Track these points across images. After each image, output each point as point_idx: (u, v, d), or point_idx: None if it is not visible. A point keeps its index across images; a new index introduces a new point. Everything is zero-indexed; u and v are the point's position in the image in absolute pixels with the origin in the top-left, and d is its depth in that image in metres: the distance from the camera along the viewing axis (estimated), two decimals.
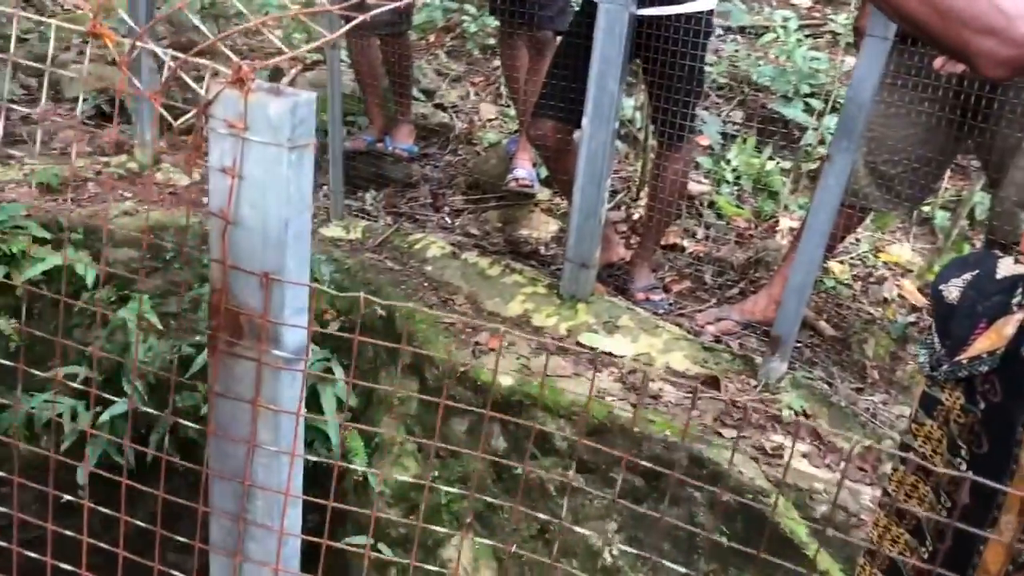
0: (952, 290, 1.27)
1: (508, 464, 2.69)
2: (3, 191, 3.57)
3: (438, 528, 1.04)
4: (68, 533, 1.05)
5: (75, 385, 3.08)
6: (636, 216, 3.79)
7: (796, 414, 2.58)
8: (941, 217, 3.81)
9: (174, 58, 0.74)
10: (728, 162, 4.04)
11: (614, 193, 3.93)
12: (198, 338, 3.20)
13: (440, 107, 4.60)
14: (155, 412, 1.04)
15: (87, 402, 3.12)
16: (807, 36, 4.95)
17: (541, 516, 1.23)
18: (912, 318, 3.22)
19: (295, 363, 0.79)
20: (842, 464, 1.08)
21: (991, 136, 2.62)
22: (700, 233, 3.70)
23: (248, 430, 0.80)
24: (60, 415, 3.07)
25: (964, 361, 1.20)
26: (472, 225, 3.72)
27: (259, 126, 0.72)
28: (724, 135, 4.24)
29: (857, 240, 3.64)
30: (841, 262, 3.50)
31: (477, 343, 2.85)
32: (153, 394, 3.19)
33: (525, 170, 3.78)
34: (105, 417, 3.03)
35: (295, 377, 0.80)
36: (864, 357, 3.00)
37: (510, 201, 3.80)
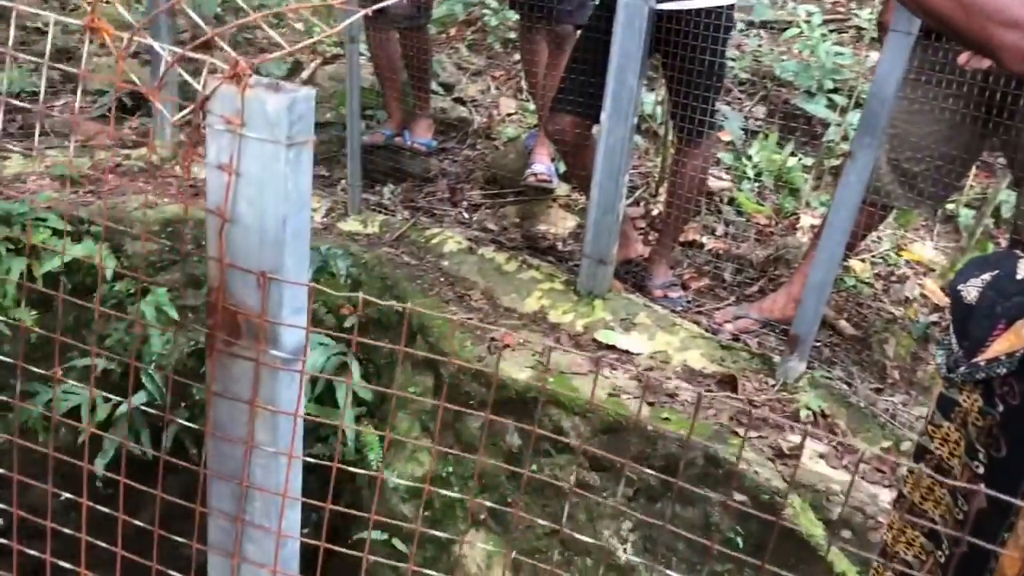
0: (971, 290, 1.24)
1: (522, 460, 2.68)
2: (24, 183, 3.60)
3: (433, 535, 1.02)
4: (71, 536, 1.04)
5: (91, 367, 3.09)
6: (655, 212, 3.76)
7: (814, 414, 2.55)
8: (966, 215, 3.75)
9: (172, 53, 0.73)
10: (749, 158, 4.00)
11: (633, 189, 3.90)
12: None
13: (459, 101, 4.59)
14: (154, 411, 1.03)
15: (106, 394, 3.14)
16: (831, 31, 4.89)
17: (540, 522, 1.21)
18: (934, 317, 3.17)
19: (293, 363, 0.78)
20: (857, 465, 1.06)
21: (1017, 133, 2.58)
22: (720, 230, 3.66)
23: (246, 430, 0.79)
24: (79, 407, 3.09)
25: (982, 363, 1.18)
26: (489, 220, 3.70)
27: (256, 122, 0.71)
28: (746, 131, 4.20)
29: (879, 238, 3.59)
30: (862, 260, 3.45)
31: (493, 339, 2.83)
32: (171, 386, 3.20)
33: (544, 165, 3.76)
34: (123, 409, 3.04)
35: (293, 378, 0.79)
36: (884, 357, 2.96)
37: (528, 196, 3.78)
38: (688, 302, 3.20)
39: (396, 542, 2.86)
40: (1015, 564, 1.18)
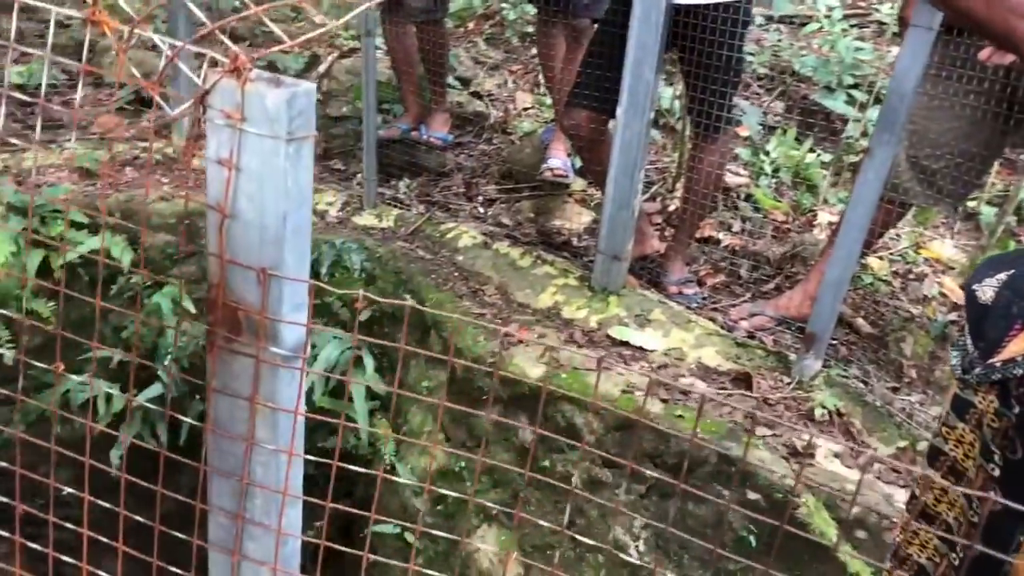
0: (986, 290, 1.22)
1: (535, 455, 2.67)
2: (43, 175, 3.62)
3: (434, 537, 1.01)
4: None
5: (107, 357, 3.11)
6: (671, 208, 3.74)
7: (829, 413, 2.52)
8: (987, 213, 3.70)
9: (171, 46, 0.72)
10: (767, 154, 3.97)
11: (650, 184, 3.88)
12: None
13: (476, 95, 4.58)
14: (154, 407, 1.03)
15: (121, 385, 3.16)
16: (852, 26, 4.84)
17: (542, 523, 1.20)
18: (953, 316, 3.13)
19: (293, 361, 0.77)
20: (864, 468, 1.04)
21: None
22: (736, 226, 3.64)
23: (246, 427, 0.78)
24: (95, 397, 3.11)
25: (998, 364, 1.16)
26: (505, 215, 3.69)
27: (256, 117, 0.70)
28: (764, 126, 4.17)
29: (897, 235, 3.56)
30: (880, 258, 3.42)
31: (507, 334, 2.83)
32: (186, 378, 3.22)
33: (560, 160, 3.74)
34: (139, 400, 3.06)
35: (294, 375, 0.79)
36: (902, 356, 2.93)
37: (544, 191, 3.77)
38: (703, 299, 3.18)
39: (409, 536, 2.86)
40: None
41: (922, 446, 2.48)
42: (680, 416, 2.47)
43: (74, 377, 3.22)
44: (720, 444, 2.39)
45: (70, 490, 1.02)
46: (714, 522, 2.40)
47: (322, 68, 4.57)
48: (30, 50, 0.93)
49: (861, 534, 2.27)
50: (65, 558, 1.04)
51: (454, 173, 3.98)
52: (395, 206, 3.63)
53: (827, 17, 4.69)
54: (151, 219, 3.38)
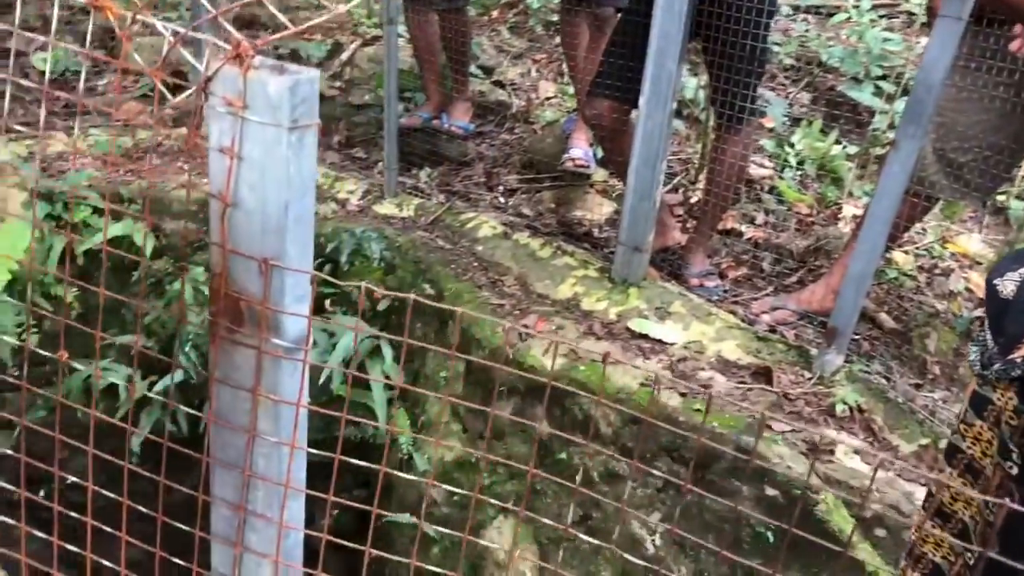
0: (1008, 284, 1.19)
1: (552, 447, 2.66)
2: (66, 161, 3.64)
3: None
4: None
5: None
6: (694, 199, 3.71)
7: (850, 409, 2.49)
8: (1017, 207, 3.64)
9: (174, 33, 0.71)
10: (792, 145, 3.93)
11: (672, 175, 3.85)
12: None
13: (499, 84, 4.56)
14: (159, 398, 1.03)
15: (143, 371, 3.18)
16: (881, 16, 4.77)
17: (545, 521, 1.19)
18: (979, 312, 3.09)
19: (295, 353, 0.76)
20: (876, 470, 1.02)
21: None
22: (759, 218, 3.60)
23: (248, 419, 0.78)
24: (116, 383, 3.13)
25: (1018, 360, 1.13)
26: (525, 205, 3.68)
27: (258, 105, 0.69)
28: (790, 117, 4.12)
29: (923, 230, 3.51)
30: (906, 252, 3.37)
31: (525, 326, 2.81)
32: (206, 364, 3.23)
33: (581, 150, 3.72)
34: (160, 387, 3.07)
35: (296, 367, 0.78)
36: (925, 352, 2.89)
37: (565, 181, 3.75)
38: (725, 292, 3.15)
39: (425, 526, 2.86)
40: None
41: (945, 444, 2.44)
42: (698, 410, 2.45)
43: (79, 366, 3.23)
44: (738, 438, 2.36)
45: (73, 479, 1.03)
46: (732, 517, 2.38)
47: (344, 56, 4.56)
48: (38, 37, 0.92)
49: (880, 532, 2.24)
50: (70, 546, 1.04)
51: (475, 162, 3.96)
52: (416, 195, 3.63)
53: (855, 7, 4.63)
54: (172, 206, 3.39)
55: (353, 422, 3.13)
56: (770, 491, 2.31)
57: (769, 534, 2.32)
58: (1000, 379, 1.16)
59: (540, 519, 1.27)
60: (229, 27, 0.67)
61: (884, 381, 2.70)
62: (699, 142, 3.90)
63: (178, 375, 3.14)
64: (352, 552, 1.13)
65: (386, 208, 3.51)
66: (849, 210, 3.60)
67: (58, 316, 3.15)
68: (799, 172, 3.85)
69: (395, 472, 0.91)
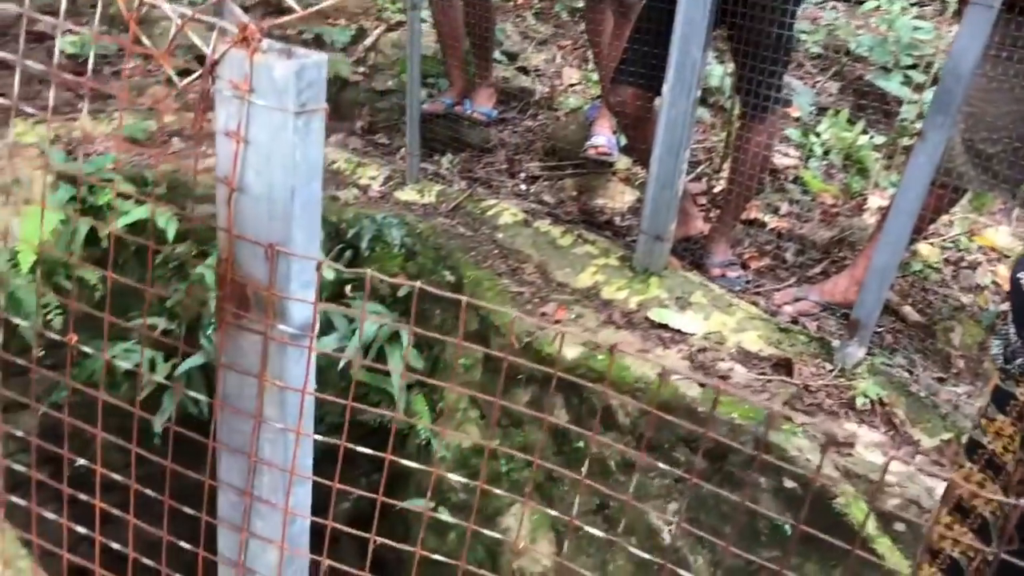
0: None
1: (569, 436, 2.65)
2: (93, 144, 3.67)
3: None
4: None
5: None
6: (717, 188, 3.68)
7: (871, 402, 2.47)
8: None
9: (181, 15, 0.70)
10: (818, 135, 3.88)
11: (696, 164, 3.82)
12: None
13: (522, 71, 4.53)
14: (164, 385, 1.03)
15: (165, 353, 3.20)
16: (912, 4, 4.69)
17: (552, 512, 1.18)
18: (1005, 306, 3.04)
19: (301, 339, 0.76)
20: (886, 467, 1.01)
21: None
22: (784, 209, 3.56)
23: (254, 405, 0.77)
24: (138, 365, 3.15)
25: None
26: (547, 193, 3.66)
27: (264, 89, 0.69)
28: (816, 107, 4.07)
29: (950, 222, 3.46)
30: (932, 244, 3.33)
31: (544, 314, 2.80)
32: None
33: (604, 137, 3.69)
34: (182, 369, 3.10)
35: (302, 353, 0.77)
36: (949, 346, 2.85)
37: (587, 169, 3.73)
38: (747, 282, 3.12)
39: (442, 511, 2.87)
40: None
41: (966, 439, 2.41)
42: (719, 401, 2.44)
43: (88, 350, 3.25)
44: (756, 430, 2.34)
45: (83, 461, 1.03)
46: (749, 509, 2.37)
47: (368, 41, 4.55)
48: (54, 20, 0.91)
49: (900, 527, 2.22)
50: (80, 528, 1.05)
51: (497, 149, 3.95)
52: (437, 181, 3.62)
53: None
54: (196, 190, 3.40)
55: (372, 406, 3.14)
56: (788, 483, 2.30)
57: (787, 526, 2.31)
58: (1023, 373, 1.14)
59: (547, 511, 1.26)
60: (237, 9, 0.66)
61: (907, 374, 2.67)
62: (723, 131, 3.86)
63: (201, 358, 3.16)
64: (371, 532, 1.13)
65: (407, 194, 3.51)
66: (875, 201, 3.55)
67: (73, 299, 3.18)
68: (824, 162, 3.80)
69: (401, 460, 0.90)
